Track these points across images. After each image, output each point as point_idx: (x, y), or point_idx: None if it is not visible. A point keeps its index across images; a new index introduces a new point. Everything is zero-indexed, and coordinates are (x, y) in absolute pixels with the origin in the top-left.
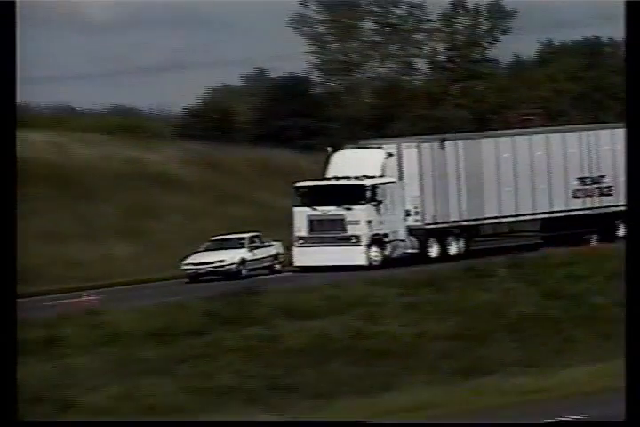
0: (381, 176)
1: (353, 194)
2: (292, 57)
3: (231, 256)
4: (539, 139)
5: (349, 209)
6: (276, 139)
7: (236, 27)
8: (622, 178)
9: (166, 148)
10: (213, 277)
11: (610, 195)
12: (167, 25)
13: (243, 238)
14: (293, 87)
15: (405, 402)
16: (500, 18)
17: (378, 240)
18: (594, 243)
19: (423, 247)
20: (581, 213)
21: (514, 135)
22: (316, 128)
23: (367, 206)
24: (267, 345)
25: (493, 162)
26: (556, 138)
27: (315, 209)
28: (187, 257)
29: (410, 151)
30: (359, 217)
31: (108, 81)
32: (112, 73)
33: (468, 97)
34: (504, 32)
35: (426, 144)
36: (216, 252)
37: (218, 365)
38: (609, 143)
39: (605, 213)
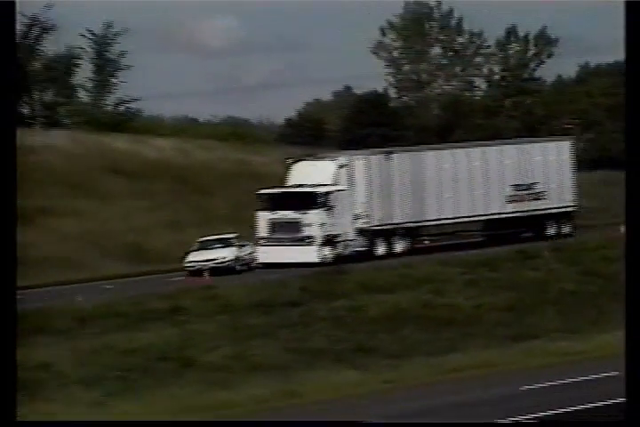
0: (333, 184)
1: (308, 200)
2: (372, 77)
3: (228, 254)
4: (477, 151)
5: (304, 213)
6: (360, 144)
7: (327, 51)
8: (553, 185)
9: (270, 151)
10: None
11: (540, 199)
12: (269, 49)
13: (230, 239)
14: (374, 101)
15: (466, 362)
16: (545, 44)
17: (330, 240)
18: (622, 231)
19: (371, 246)
20: (516, 215)
21: (454, 148)
22: (393, 135)
23: (320, 211)
24: (351, 315)
25: (435, 171)
26: (492, 150)
27: (275, 213)
28: (187, 256)
29: (360, 163)
30: (313, 220)
31: (222, 96)
32: (225, 90)
33: (519, 109)
34: (549, 56)
35: (373, 156)
36: (211, 251)
37: (311, 330)
38: (540, 155)
39: (537, 215)
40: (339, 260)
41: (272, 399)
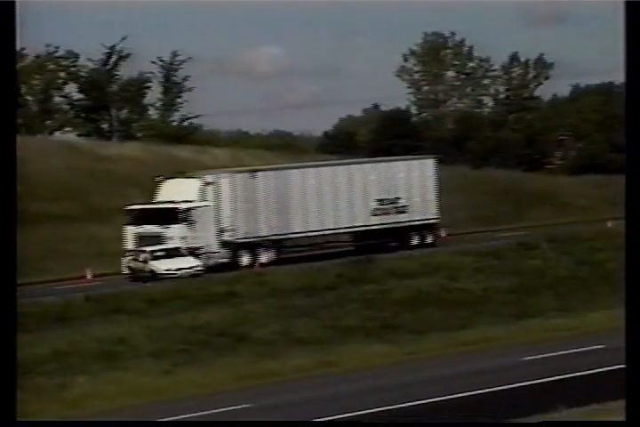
0: (197, 200)
1: (170, 215)
2: (396, 96)
3: (197, 263)
4: (342, 168)
5: (167, 227)
6: (386, 154)
7: (358, 75)
8: (416, 199)
9: (309, 159)
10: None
11: (404, 212)
12: (310, 73)
13: (179, 248)
14: (397, 117)
15: (476, 336)
16: (542, 68)
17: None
18: (609, 225)
19: (236, 257)
20: (381, 227)
21: (320, 166)
22: (413, 146)
23: (181, 225)
24: (379, 297)
25: (300, 188)
26: (357, 168)
27: (140, 227)
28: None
29: (225, 181)
30: (175, 234)
31: (270, 113)
32: (272, 108)
33: (520, 124)
34: (546, 78)
35: (239, 175)
36: (179, 259)
37: (345, 310)
38: (404, 171)
39: (401, 226)
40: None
41: (312, 368)
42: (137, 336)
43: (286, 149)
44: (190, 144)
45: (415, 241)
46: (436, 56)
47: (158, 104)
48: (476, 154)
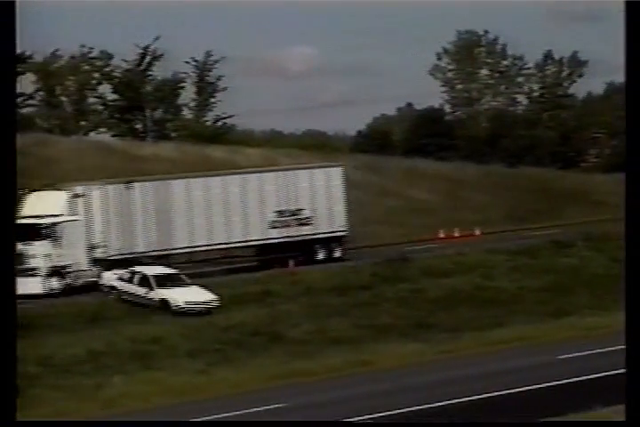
0: (63, 214)
1: (32, 231)
2: (430, 95)
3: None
4: (235, 178)
5: (29, 244)
6: (420, 152)
7: (391, 73)
8: (321, 210)
9: (343, 159)
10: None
11: (308, 224)
12: (342, 72)
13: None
14: (431, 116)
15: (511, 335)
16: (576, 66)
17: (57, 271)
18: None
19: None
20: (281, 240)
21: (208, 176)
22: (448, 144)
23: (44, 242)
24: (413, 296)
25: (184, 200)
26: (253, 178)
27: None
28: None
29: (97, 193)
30: (37, 251)
31: (303, 113)
32: (305, 107)
33: (555, 121)
34: (580, 76)
35: (111, 186)
36: (191, 290)
37: (379, 309)
38: (307, 181)
39: (305, 240)
40: (70, 290)
41: (346, 368)
42: (172, 336)
43: (320, 148)
44: (224, 144)
45: (321, 255)
46: (470, 54)
47: (192, 104)
48: (510, 152)
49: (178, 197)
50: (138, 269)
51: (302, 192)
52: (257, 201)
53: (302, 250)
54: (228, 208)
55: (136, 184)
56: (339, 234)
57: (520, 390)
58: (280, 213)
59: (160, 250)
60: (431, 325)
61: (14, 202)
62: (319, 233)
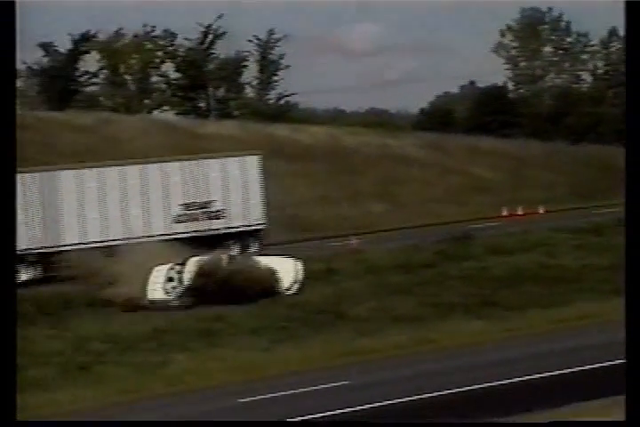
0: None
1: None
2: (494, 72)
3: None
4: (134, 169)
5: None
6: (483, 130)
7: (455, 51)
8: (235, 202)
9: (406, 137)
10: None
11: (219, 218)
12: (405, 50)
13: None
14: (495, 93)
15: (575, 313)
16: None
17: None
18: None
19: None
20: (188, 235)
21: (102, 167)
22: (511, 122)
23: None
24: (478, 274)
25: (74, 192)
26: (155, 168)
27: None
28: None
29: None
30: None
31: (365, 91)
32: (368, 85)
33: (619, 99)
34: None
35: None
36: None
37: (443, 287)
38: (219, 172)
39: (216, 234)
40: None
41: (410, 346)
42: (236, 313)
43: (383, 126)
44: (287, 122)
45: (235, 250)
46: (534, 32)
47: (255, 83)
48: (573, 129)
49: (67, 190)
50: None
51: (213, 183)
52: (160, 193)
53: (213, 245)
54: (126, 201)
55: (19, 176)
56: (255, 228)
57: (584, 368)
58: (187, 206)
59: (46, 247)
60: (495, 302)
61: (14, 200)
62: (232, 227)
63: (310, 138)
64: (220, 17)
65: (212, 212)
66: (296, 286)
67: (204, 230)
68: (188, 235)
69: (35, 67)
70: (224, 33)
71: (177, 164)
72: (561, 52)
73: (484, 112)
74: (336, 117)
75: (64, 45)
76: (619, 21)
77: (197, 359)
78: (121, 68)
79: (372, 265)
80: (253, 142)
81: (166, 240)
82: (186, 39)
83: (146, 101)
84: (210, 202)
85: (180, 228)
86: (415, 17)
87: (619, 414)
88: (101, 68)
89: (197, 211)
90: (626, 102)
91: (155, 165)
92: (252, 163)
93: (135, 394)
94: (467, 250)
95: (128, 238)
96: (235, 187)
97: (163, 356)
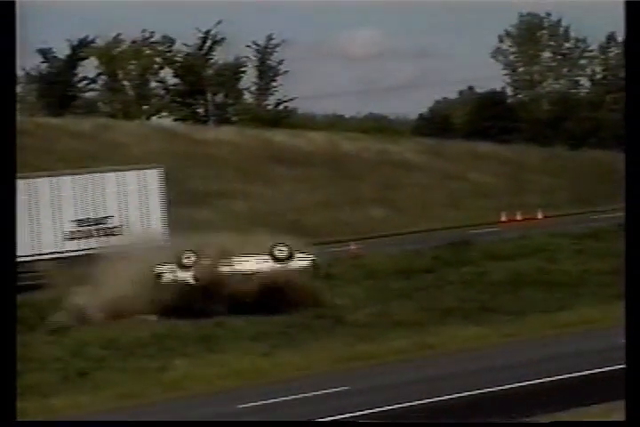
0: None
1: None
2: (492, 78)
3: None
4: (20, 184)
5: None
6: (482, 135)
7: (453, 56)
8: (133, 218)
9: (405, 142)
10: None
11: (116, 235)
12: (405, 56)
13: None
14: (493, 99)
15: (575, 318)
16: None
17: None
18: None
19: None
20: (82, 253)
21: None
22: (510, 127)
23: None
24: (477, 279)
25: None
26: (42, 182)
27: None
28: None
29: None
30: None
31: (365, 96)
32: (367, 90)
33: (618, 104)
34: None
35: None
36: None
37: (443, 292)
38: (116, 185)
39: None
40: None
41: (409, 351)
42: (235, 319)
43: (382, 131)
44: (286, 128)
45: None
46: (532, 37)
47: (253, 88)
48: (572, 135)
49: None
50: None
51: (110, 198)
52: (49, 209)
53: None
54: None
55: None
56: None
57: (583, 373)
58: (80, 221)
59: None
60: (495, 308)
61: (14, 199)
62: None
63: (309, 143)
64: (219, 22)
65: (108, 228)
66: None
67: (100, 248)
68: (82, 253)
69: (33, 73)
70: (223, 38)
71: (68, 178)
72: (559, 57)
73: (482, 117)
74: (335, 123)
75: (62, 51)
76: (617, 27)
77: (197, 365)
78: (119, 73)
79: (371, 270)
80: (253, 148)
81: (56, 258)
82: (184, 45)
83: (144, 107)
84: (105, 218)
85: (72, 246)
86: (414, 22)
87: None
88: (100, 74)
89: (92, 227)
90: (625, 105)
91: (45, 178)
92: (154, 176)
93: (134, 399)
94: (466, 255)
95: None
96: (133, 202)
97: (162, 361)
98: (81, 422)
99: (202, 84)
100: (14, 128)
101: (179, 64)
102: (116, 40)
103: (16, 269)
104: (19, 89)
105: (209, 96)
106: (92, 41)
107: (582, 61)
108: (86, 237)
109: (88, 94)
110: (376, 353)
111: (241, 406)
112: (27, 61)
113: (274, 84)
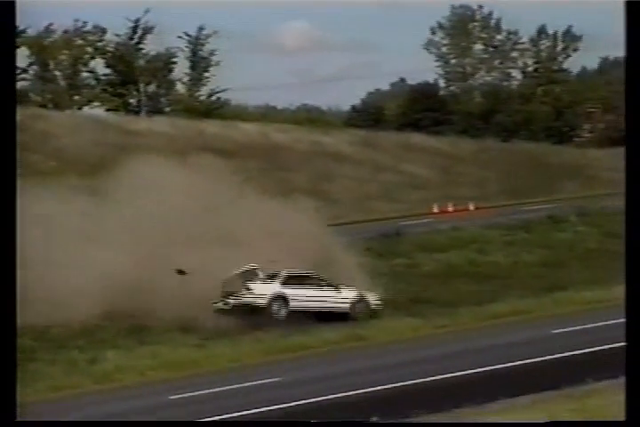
0: None
1: None
2: (424, 70)
3: None
4: None
5: None
6: (414, 127)
7: (385, 49)
8: None
9: (338, 134)
10: None
11: None
12: (337, 48)
13: None
14: (425, 91)
15: (506, 309)
16: (571, 40)
17: None
18: None
19: None
20: None
21: None
22: (442, 119)
23: None
24: (408, 271)
25: None
26: None
27: None
28: None
29: None
30: None
31: (297, 88)
32: (300, 82)
33: (549, 96)
34: (574, 50)
35: None
36: None
37: (375, 284)
38: None
39: None
40: None
41: (341, 342)
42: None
43: (314, 123)
44: (218, 119)
45: None
46: (464, 29)
47: (186, 79)
48: (504, 127)
49: None
50: None
51: None
52: None
53: None
54: None
55: None
56: None
57: (515, 364)
58: None
59: None
60: (426, 300)
61: (14, 199)
62: None
63: (242, 134)
64: (147, 11)
65: None
66: None
67: None
68: None
69: None
70: (152, 28)
71: None
72: (491, 49)
73: (415, 109)
74: (268, 114)
75: None
76: (547, 19)
77: (128, 357)
78: (50, 63)
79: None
80: (186, 139)
81: None
82: (116, 35)
83: (76, 97)
84: None
85: None
86: (347, 14)
87: (541, 413)
88: (31, 64)
89: None
90: (625, 105)
91: None
92: None
93: (65, 391)
94: (398, 247)
95: None
96: None
97: (93, 353)
98: (81, 423)
99: (133, 75)
100: (14, 128)
101: (110, 54)
102: (48, 30)
103: (16, 268)
104: None
105: (141, 86)
106: (24, 30)
107: (514, 54)
108: None
109: (19, 84)
110: (308, 344)
111: (172, 397)
112: None
113: (206, 74)
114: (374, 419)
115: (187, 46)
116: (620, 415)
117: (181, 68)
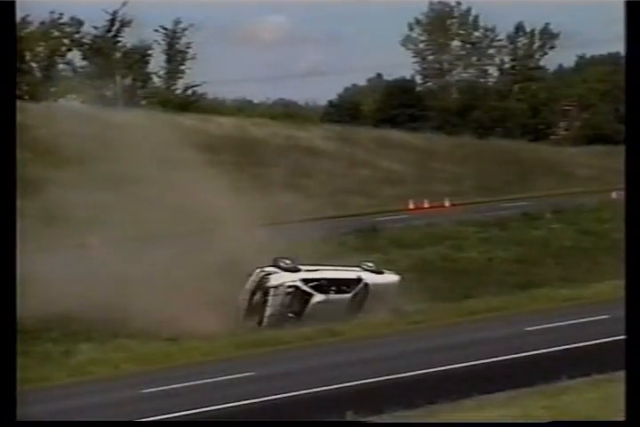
0: None
1: None
2: (401, 65)
3: None
4: None
5: None
6: (391, 123)
7: (363, 44)
8: None
9: (314, 129)
10: None
11: None
12: (314, 42)
13: None
14: (402, 86)
15: (481, 306)
16: (548, 38)
17: None
18: (613, 196)
19: None
20: None
21: None
22: (419, 115)
23: None
24: (384, 266)
25: None
26: None
27: None
28: None
29: None
30: None
31: (274, 82)
32: (276, 76)
33: (526, 93)
34: (551, 48)
35: None
36: None
37: None
38: None
39: None
40: None
41: (316, 337)
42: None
43: (291, 117)
44: (195, 112)
45: None
46: (442, 25)
47: (162, 72)
48: (480, 124)
49: None
50: None
51: None
52: None
53: None
54: None
55: None
56: None
57: (486, 361)
58: None
59: None
60: (401, 295)
61: (14, 198)
62: None
63: (218, 128)
64: (125, 4)
65: None
66: None
67: None
68: None
69: None
70: (130, 21)
71: None
72: (468, 46)
73: (391, 105)
74: (244, 108)
75: None
76: (525, 17)
77: (102, 350)
78: (27, 55)
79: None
80: (161, 132)
81: None
82: (93, 27)
83: (52, 89)
84: None
85: None
86: (324, 9)
87: (515, 410)
88: None
89: None
90: (625, 105)
91: None
92: None
93: (37, 384)
94: (373, 242)
95: None
96: None
97: (67, 345)
98: (81, 423)
99: (110, 67)
100: (14, 128)
101: (87, 46)
102: (24, 21)
103: (16, 268)
104: None
105: (117, 79)
106: None
107: (491, 51)
108: None
109: None
110: (283, 339)
111: (144, 391)
112: None
113: (182, 68)
114: (349, 413)
115: (163, 39)
116: (594, 413)
117: (158, 62)
